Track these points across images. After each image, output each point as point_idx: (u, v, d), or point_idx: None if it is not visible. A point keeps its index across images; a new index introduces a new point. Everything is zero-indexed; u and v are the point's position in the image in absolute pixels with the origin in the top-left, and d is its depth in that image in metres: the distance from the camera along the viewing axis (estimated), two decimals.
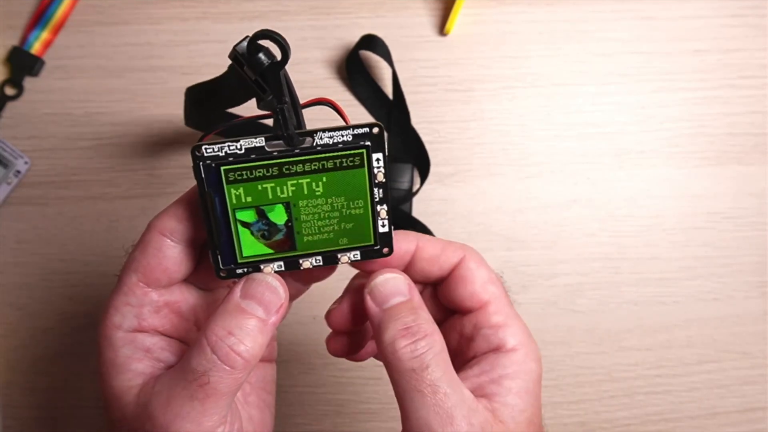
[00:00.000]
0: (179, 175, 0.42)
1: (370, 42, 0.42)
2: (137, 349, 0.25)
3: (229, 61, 0.25)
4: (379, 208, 0.25)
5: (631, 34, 0.44)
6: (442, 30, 0.43)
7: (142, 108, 0.42)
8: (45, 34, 0.41)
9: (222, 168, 0.24)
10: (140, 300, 0.25)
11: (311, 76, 0.43)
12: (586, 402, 0.42)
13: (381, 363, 0.27)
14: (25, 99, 0.42)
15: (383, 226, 0.26)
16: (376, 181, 0.25)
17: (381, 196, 0.25)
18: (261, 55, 0.24)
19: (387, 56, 0.42)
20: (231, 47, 0.27)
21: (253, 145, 0.24)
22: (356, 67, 0.42)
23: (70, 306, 0.41)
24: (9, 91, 0.42)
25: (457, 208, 0.42)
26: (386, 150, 0.25)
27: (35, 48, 0.41)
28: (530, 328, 0.28)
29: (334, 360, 0.41)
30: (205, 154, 0.24)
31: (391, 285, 0.26)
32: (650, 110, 0.44)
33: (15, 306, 0.41)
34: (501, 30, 0.44)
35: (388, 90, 0.43)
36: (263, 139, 0.24)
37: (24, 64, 0.41)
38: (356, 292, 0.28)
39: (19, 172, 0.41)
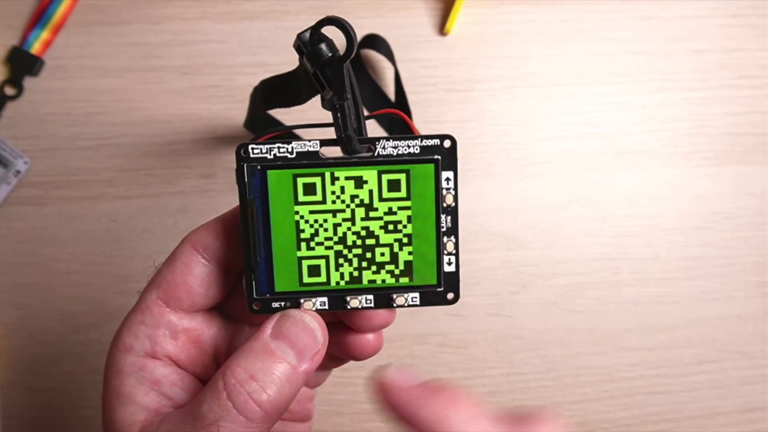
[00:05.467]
0: (179, 175, 0.42)
1: (373, 41, 0.42)
2: (145, 379, 0.22)
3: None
4: (446, 239, 0.22)
5: (631, 34, 0.44)
6: (442, 30, 0.43)
7: (142, 108, 0.42)
8: (45, 34, 0.41)
9: (269, 172, 0.21)
10: (156, 320, 0.23)
11: None
12: (586, 402, 0.42)
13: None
14: (25, 99, 0.42)
15: (449, 263, 0.22)
16: (444, 205, 0.22)
17: (449, 225, 0.22)
18: (323, 46, 0.21)
19: (390, 55, 0.42)
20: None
21: (306, 149, 0.21)
22: (357, 67, 0.42)
23: (70, 306, 0.41)
24: (9, 91, 0.42)
25: None
26: (458, 169, 0.22)
27: (35, 48, 0.41)
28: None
29: (335, 368, 0.41)
30: (252, 155, 0.21)
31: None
32: (650, 110, 0.44)
33: (15, 306, 0.41)
34: (501, 30, 0.44)
35: (389, 90, 0.43)
36: (318, 143, 0.21)
37: (24, 64, 0.41)
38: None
39: (19, 172, 0.41)
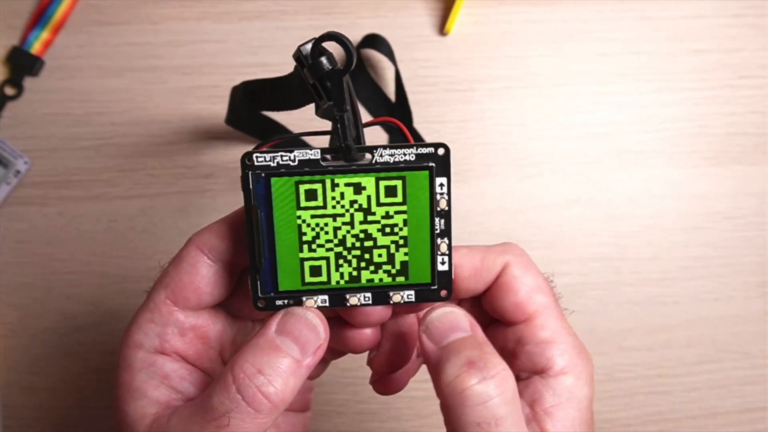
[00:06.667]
0: (179, 175, 0.42)
1: (374, 41, 0.42)
2: (155, 374, 0.24)
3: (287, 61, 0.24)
4: (439, 241, 0.23)
5: (631, 34, 0.44)
6: (442, 30, 0.43)
7: (142, 108, 0.42)
8: (45, 34, 0.41)
9: (272, 179, 0.22)
10: (165, 319, 0.24)
11: None
12: None
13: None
14: (25, 99, 0.42)
15: (443, 263, 0.23)
16: (438, 209, 0.23)
17: (443, 227, 0.23)
18: (323, 59, 0.22)
19: (390, 55, 0.42)
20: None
21: (307, 158, 0.22)
22: (357, 67, 0.42)
23: (70, 306, 0.41)
24: (9, 91, 0.42)
25: (456, 208, 0.42)
26: (451, 175, 0.23)
27: (35, 48, 0.41)
28: None
29: (333, 360, 0.41)
30: (256, 163, 0.22)
31: (449, 319, 0.23)
32: (650, 110, 0.44)
33: (15, 306, 0.41)
34: (501, 30, 0.44)
35: (390, 90, 0.43)
36: (319, 151, 0.22)
37: (24, 64, 0.41)
38: (394, 335, 0.26)
39: (19, 172, 0.41)
